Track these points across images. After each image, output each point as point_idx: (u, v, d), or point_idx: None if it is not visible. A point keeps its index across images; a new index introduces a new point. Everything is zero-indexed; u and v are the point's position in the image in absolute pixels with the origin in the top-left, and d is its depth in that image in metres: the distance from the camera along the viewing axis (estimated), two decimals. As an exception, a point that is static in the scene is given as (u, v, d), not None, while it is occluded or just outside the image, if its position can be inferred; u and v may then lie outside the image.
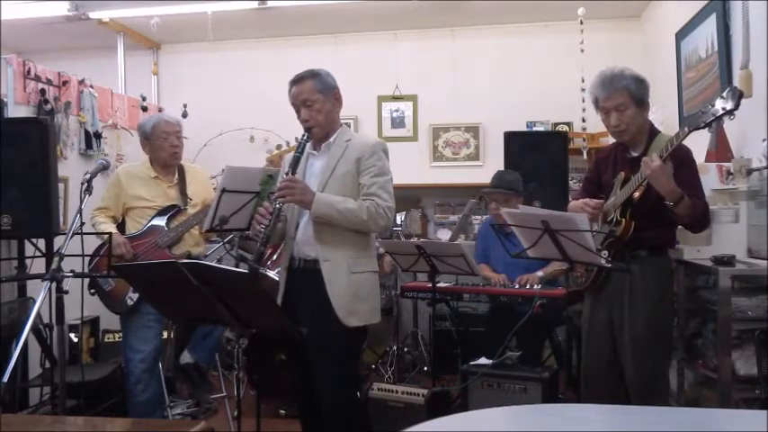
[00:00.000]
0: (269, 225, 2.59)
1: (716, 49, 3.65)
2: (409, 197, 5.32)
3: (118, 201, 3.43)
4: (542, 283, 3.74)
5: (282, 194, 2.58)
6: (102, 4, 5.11)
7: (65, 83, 4.45)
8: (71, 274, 2.50)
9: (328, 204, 2.59)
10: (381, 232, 3.41)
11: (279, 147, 5.52)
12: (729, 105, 2.30)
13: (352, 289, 2.63)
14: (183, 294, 2.20)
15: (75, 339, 4.36)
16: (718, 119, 2.34)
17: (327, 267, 2.63)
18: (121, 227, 3.46)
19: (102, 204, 3.44)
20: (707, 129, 2.43)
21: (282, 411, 3.91)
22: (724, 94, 2.33)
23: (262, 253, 2.63)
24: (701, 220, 2.63)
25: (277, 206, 2.60)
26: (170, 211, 3.41)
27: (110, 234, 3.12)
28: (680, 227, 2.79)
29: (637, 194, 2.62)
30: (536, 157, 4.33)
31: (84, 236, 2.73)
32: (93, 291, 3.33)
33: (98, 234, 3.23)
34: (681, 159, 2.56)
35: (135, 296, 3.28)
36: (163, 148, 3.41)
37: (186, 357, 3.67)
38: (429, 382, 3.84)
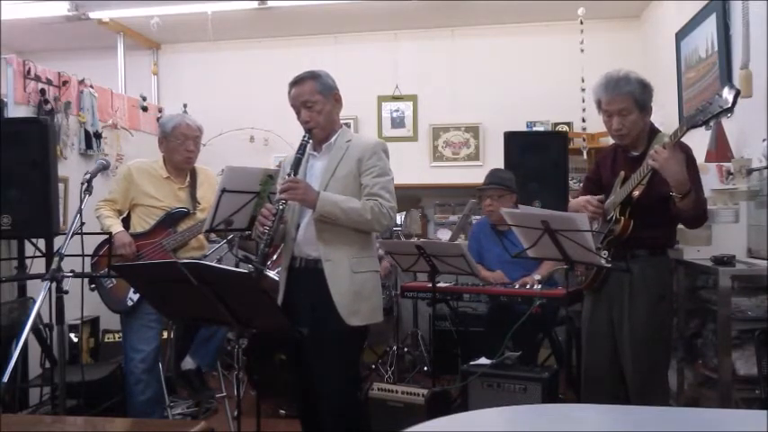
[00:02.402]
0: (272, 227, 2.58)
1: (716, 49, 3.65)
2: (409, 197, 5.31)
3: (126, 194, 3.41)
4: (542, 283, 3.74)
5: (285, 195, 2.58)
6: (102, 4, 5.11)
7: (65, 83, 4.45)
8: (71, 274, 2.50)
9: (333, 203, 2.59)
10: (383, 232, 3.40)
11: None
12: (726, 104, 2.29)
13: (354, 288, 2.63)
14: (183, 294, 2.20)
15: (75, 339, 4.36)
16: (716, 116, 2.33)
17: (329, 267, 2.63)
18: (125, 222, 3.44)
19: (110, 197, 3.42)
20: (704, 127, 2.43)
21: (282, 411, 3.91)
22: (721, 92, 2.33)
23: (266, 255, 2.63)
24: (702, 215, 2.63)
25: (280, 207, 2.60)
26: (178, 215, 3.41)
27: (110, 234, 3.11)
28: (680, 226, 2.79)
29: (636, 193, 2.62)
30: (536, 157, 4.32)
31: (84, 236, 2.73)
32: (93, 286, 3.33)
33: (100, 233, 3.23)
34: (685, 155, 2.55)
35: (135, 297, 3.27)
36: (178, 150, 3.41)
37: (188, 363, 3.65)
38: (429, 382, 3.83)
